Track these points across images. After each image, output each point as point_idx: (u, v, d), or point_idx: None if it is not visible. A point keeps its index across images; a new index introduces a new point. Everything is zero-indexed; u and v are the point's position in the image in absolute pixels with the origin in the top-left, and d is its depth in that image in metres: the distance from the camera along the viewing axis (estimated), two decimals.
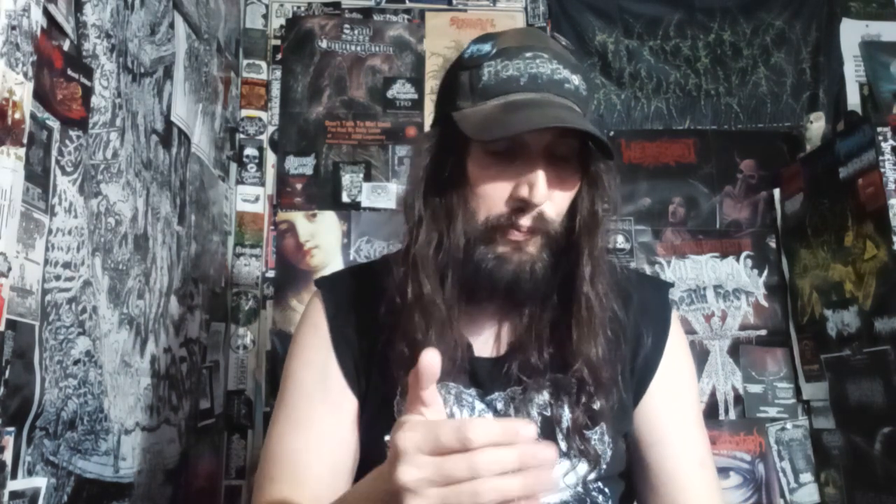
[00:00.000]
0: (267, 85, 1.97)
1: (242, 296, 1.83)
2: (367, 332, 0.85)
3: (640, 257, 1.90)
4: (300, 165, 1.93)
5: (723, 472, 1.77)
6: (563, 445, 0.81)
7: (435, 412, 0.57)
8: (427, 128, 2.06)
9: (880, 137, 1.52)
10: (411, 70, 2.00)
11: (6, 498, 0.77)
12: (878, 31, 2.06)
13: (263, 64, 1.98)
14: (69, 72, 0.93)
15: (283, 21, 2.02)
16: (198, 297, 1.52)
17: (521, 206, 0.75)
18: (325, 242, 1.89)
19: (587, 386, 0.80)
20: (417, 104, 1.98)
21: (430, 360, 0.55)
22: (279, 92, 1.97)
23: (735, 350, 1.86)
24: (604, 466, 0.82)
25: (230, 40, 1.84)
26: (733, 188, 1.96)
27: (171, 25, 1.35)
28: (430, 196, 0.80)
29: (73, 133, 0.94)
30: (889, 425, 1.49)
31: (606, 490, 0.83)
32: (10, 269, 0.77)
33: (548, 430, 0.81)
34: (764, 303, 1.90)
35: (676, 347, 0.89)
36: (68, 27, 0.93)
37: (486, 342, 0.85)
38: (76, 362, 0.95)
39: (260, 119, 1.94)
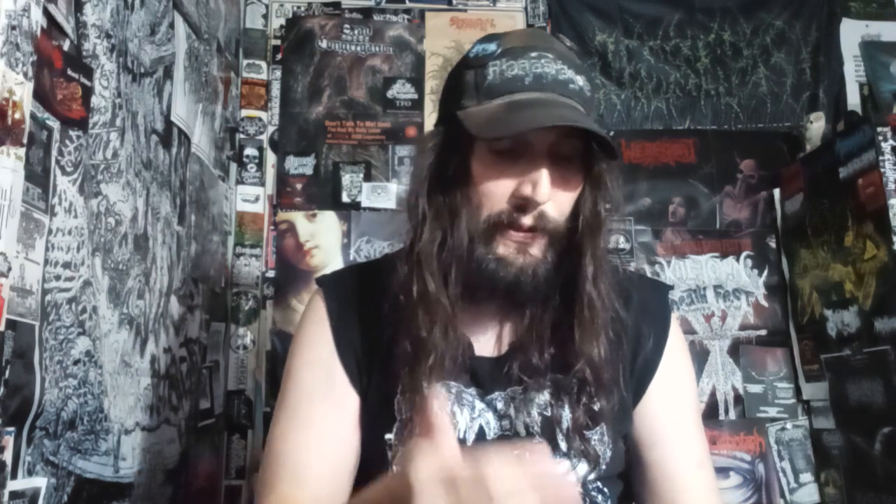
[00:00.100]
0: (267, 85, 1.97)
1: (242, 296, 1.83)
2: (370, 330, 0.85)
3: (640, 257, 1.90)
4: (300, 165, 1.93)
5: (723, 472, 1.77)
6: (563, 445, 0.81)
7: (448, 440, 0.55)
8: (427, 128, 2.07)
9: (880, 137, 1.52)
10: (411, 70, 2.01)
11: (6, 498, 0.77)
12: (878, 31, 2.06)
13: (263, 64, 1.98)
14: (69, 72, 0.93)
15: (283, 21, 2.02)
16: (198, 297, 1.52)
17: (522, 203, 0.76)
18: (325, 242, 1.89)
19: (588, 386, 0.80)
20: (417, 104, 1.98)
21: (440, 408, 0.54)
22: (279, 92, 1.97)
23: (735, 350, 1.86)
24: (603, 467, 0.82)
25: (230, 40, 1.84)
26: (733, 188, 1.96)
27: (171, 25, 1.35)
28: (433, 194, 0.80)
29: (73, 133, 0.94)
30: (889, 425, 1.49)
31: (605, 490, 0.83)
32: (10, 269, 0.77)
33: (548, 431, 0.81)
34: (764, 303, 1.90)
35: (676, 349, 0.90)
36: (68, 27, 0.93)
37: (487, 342, 0.85)
38: (76, 362, 0.95)
39: (260, 119, 1.94)
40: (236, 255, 1.85)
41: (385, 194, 1.92)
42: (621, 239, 1.89)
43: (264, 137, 1.94)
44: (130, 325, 1.14)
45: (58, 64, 0.90)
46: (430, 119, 1.96)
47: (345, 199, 1.91)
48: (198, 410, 1.52)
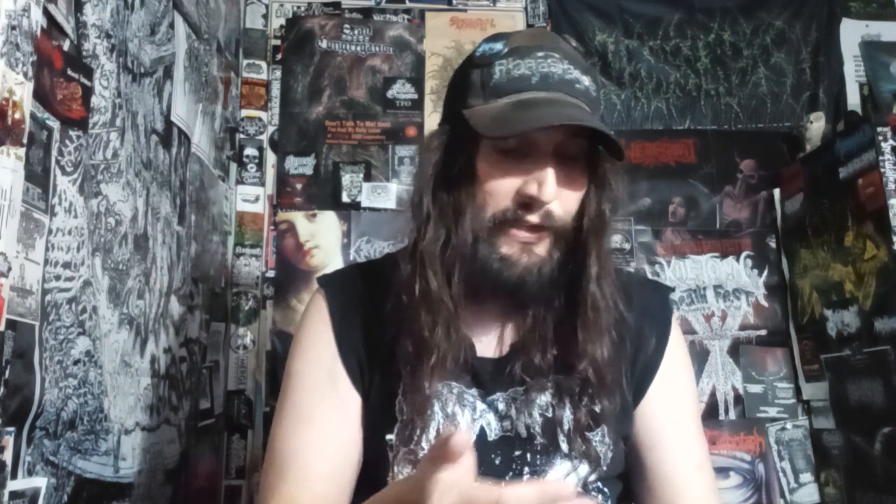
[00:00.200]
0: (267, 85, 1.97)
1: (242, 296, 1.83)
2: (371, 330, 0.85)
3: (640, 257, 1.90)
4: (300, 165, 1.93)
5: (723, 472, 1.77)
6: (565, 447, 0.81)
7: (466, 464, 0.54)
8: (427, 128, 2.07)
9: (880, 137, 1.52)
10: (411, 70, 2.00)
11: (6, 498, 0.77)
12: (878, 31, 2.06)
13: (263, 64, 1.98)
14: (69, 72, 0.93)
15: (283, 21, 2.02)
16: (198, 297, 1.52)
17: (528, 202, 0.75)
18: (325, 242, 1.89)
19: (590, 387, 0.80)
20: (417, 104, 1.98)
21: (462, 440, 0.53)
22: (279, 92, 1.97)
23: (735, 350, 1.86)
24: (604, 468, 0.82)
25: (230, 40, 1.84)
26: (733, 188, 1.96)
27: (171, 25, 1.35)
28: (438, 193, 0.80)
29: (73, 133, 0.94)
30: (889, 425, 1.49)
31: (606, 490, 0.83)
32: (10, 269, 0.77)
33: (549, 432, 0.81)
34: (764, 303, 1.90)
35: (676, 351, 0.90)
36: (68, 27, 0.93)
37: (488, 342, 0.85)
38: (76, 362, 0.95)
39: (260, 119, 1.94)
40: (236, 255, 1.85)
41: (385, 194, 1.92)
42: (621, 239, 1.89)
43: (264, 137, 1.94)
44: (130, 325, 1.14)
45: (58, 64, 0.90)
46: (430, 119, 1.96)
47: (345, 199, 1.91)
48: (198, 410, 1.52)
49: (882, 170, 1.50)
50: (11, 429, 0.78)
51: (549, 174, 0.74)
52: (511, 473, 0.80)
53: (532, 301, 0.80)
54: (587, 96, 0.78)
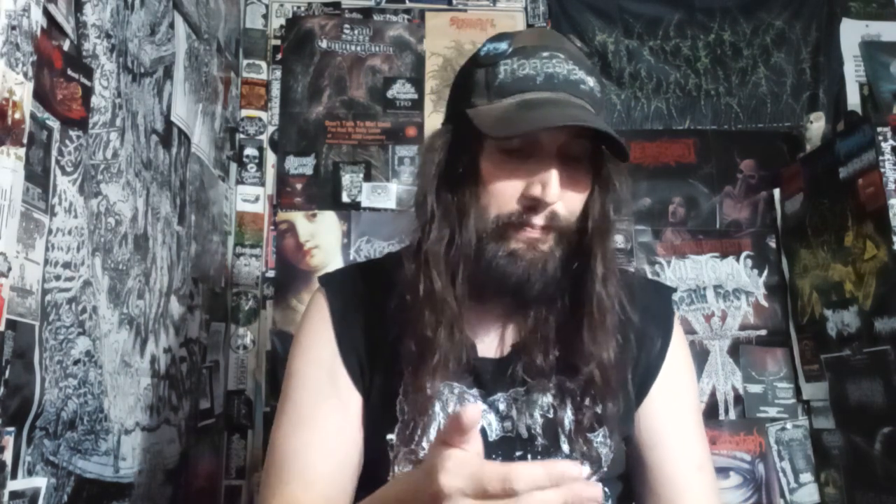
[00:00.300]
0: (267, 85, 1.97)
1: (242, 296, 1.83)
2: (373, 329, 0.85)
3: (640, 257, 1.90)
4: (300, 165, 1.93)
5: (723, 472, 1.77)
6: (566, 447, 0.81)
7: (474, 446, 0.55)
8: (427, 128, 2.07)
9: (880, 137, 1.51)
10: (411, 70, 2.00)
11: (6, 498, 0.77)
12: (878, 31, 2.06)
13: (263, 64, 1.98)
14: (69, 72, 0.93)
15: (283, 21, 2.02)
16: (198, 297, 1.52)
17: (532, 204, 0.75)
18: (325, 242, 1.89)
19: (593, 388, 0.80)
20: (417, 104, 1.98)
21: (473, 414, 0.53)
22: (279, 92, 1.97)
23: (735, 350, 1.86)
24: (605, 468, 0.82)
25: (230, 40, 1.84)
26: (733, 188, 1.96)
27: (171, 25, 1.35)
28: (442, 193, 0.80)
29: (73, 133, 0.94)
30: (889, 425, 1.49)
31: (606, 490, 0.83)
32: (10, 269, 0.77)
33: (550, 432, 0.81)
34: (764, 303, 1.90)
35: (678, 352, 0.89)
36: (68, 27, 0.93)
37: (490, 342, 0.85)
38: (76, 362, 0.95)
39: (260, 119, 1.94)
40: (236, 255, 1.85)
41: (385, 194, 1.92)
42: (621, 239, 1.89)
43: (264, 137, 1.94)
44: (130, 325, 1.14)
45: (58, 64, 0.90)
46: (430, 119, 1.96)
47: (345, 199, 1.91)
48: (198, 410, 1.52)
49: (882, 170, 1.50)
50: (11, 429, 0.78)
51: (553, 175, 0.74)
52: None
53: (535, 300, 0.80)
54: (591, 97, 0.78)
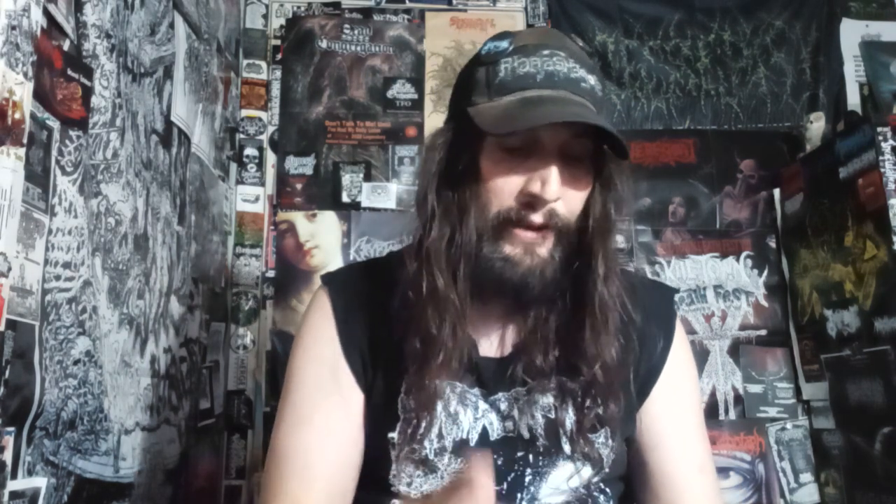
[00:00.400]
0: (267, 85, 1.97)
1: (242, 296, 1.83)
2: (376, 328, 0.85)
3: (640, 257, 1.90)
4: (300, 165, 1.93)
5: (723, 472, 1.77)
6: (567, 448, 0.80)
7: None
8: (427, 128, 2.07)
9: (880, 137, 1.51)
10: (411, 70, 2.00)
11: (6, 498, 0.77)
12: (878, 31, 2.06)
13: (263, 64, 1.98)
14: (69, 72, 0.93)
15: (283, 21, 2.02)
16: (198, 297, 1.52)
17: (531, 201, 0.75)
18: (325, 242, 1.89)
19: (594, 389, 0.80)
20: (417, 104, 1.98)
21: None
22: (279, 92, 1.97)
23: (735, 350, 1.86)
24: (606, 469, 0.82)
25: (230, 40, 1.84)
26: (733, 188, 1.96)
27: (171, 25, 1.35)
28: (443, 191, 0.80)
29: (73, 133, 0.94)
30: (889, 425, 1.49)
31: (608, 490, 0.83)
32: (10, 269, 0.77)
33: (551, 433, 0.81)
34: (764, 303, 1.90)
35: (680, 352, 0.89)
36: (68, 27, 0.93)
37: (491, 342, 0.85)
38: (76, 362, 0.95)
39: (260, 119, 1.94)
40: (236, 255, 1.85)
41: (385, 194, 1.92)
42: (621, 239, 1.89)
43: (264, 137, 1.94)
44: (130, 325, 1.14)
45: (58, 64, 0.90)
46: (430, 119, 1.96)
47: (345, 199, 1.91)
48: (198, 410, 1.52)
49: (882, 170, 1.50)
50: (11, 429, 0.78)
51: (553, 172, 0.74)
52: (513, 474, 0.80)
53: (535, 302, 0.80)
54: (593, 95, 0.78)
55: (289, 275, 1.87)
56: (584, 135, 0.76)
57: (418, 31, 2.03)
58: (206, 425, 1.58)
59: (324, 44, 2.00)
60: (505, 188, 0.76)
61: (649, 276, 1.86)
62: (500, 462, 0.80)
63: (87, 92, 0.98)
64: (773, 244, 1.92)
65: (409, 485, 0.79)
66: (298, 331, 0.90)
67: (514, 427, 0.81)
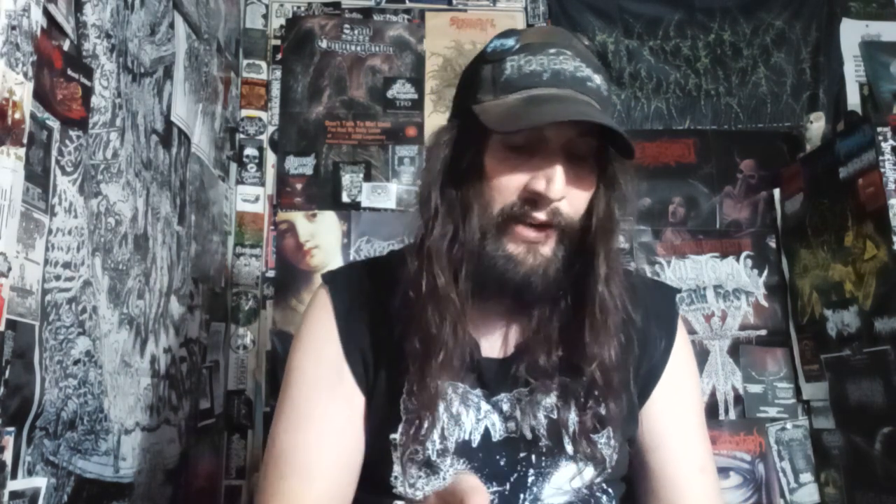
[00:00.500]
0: (267, 85, 1.97)
1: (242, 296, 1.83)
2: (377, 327, 0.84)
3: (640, 257, 1.90)
4: (300, 165, 1.93)
5: (723, 472, 1.77)
6: (570, 449, 0.80)
7: None
8: (427, 128, 2.07)
9: (880, 137, 1.51)
10: (411, 70, 2.00)
11: (6, 498, 0.77)
12: (878, 31, 2.06)
13: (263, 64, 1.98)
14: (69, 72, 0.93)
15: (283, 21, 2.02)
16: (198, 297, 1.52)
17: (535, 199, 0.74)
18: (325, 242, 1.89)
19: (596, 389, 0.79)
20: (417, 104, 1.98)
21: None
22: (279, 92, 1.97)
23: (735, 350, 1.86)
24: (609, 470, 0.82)
25: (230, 40, 1.84)
26: (733, 188, 1.96)
27: (171, 25, 1.35)
28: (446, 189, 0.79)
29: (73, 133, 0.94)
30: (889, 425, 1.49)
31: (609, 491, 0.83)
32: (10, 269, 0.77)
33: (554, 434, 0.81)
34: (764, 303, 1.90)
35: (682, 352, 0.89)
36: (68, 27, 0.93)
37: (493, 342, 0.85)
38: (76, 362, 0.95)
39: (260, 119, 1.94)
40: (236, 255, 1.84)
41: (385, 194, 1.92)
42: (621, 239, 1.89)
43: (264, 137, 1.94)
44: (130, 325, 1.14)
45: (58, 64, 0.90)
46: (430, 119, 1.96)
47: (345, 199, 1.91)
48: (198, 410, 1.52)
49: (882, 170, 1.50)
50: (11, 429, 0.78)
51: (558, 171, 0.73)
52: (516, 475, 0.80)
53: (537, 301, 0.79)
54: (598, 94, 0.77)
55: (289, 275, 1.87)
56: (588, 133, 0.76)
57: (418, 31, 2.03)
58: (206, 425, 1.58)
59: (324, 44, 2.00)
60: (509, 186, 0.75)
61: (649, 276, 1.86)
62: (502, 462, 0.80)
63: (87, 92, 0.98)
64: (773, 244, 1.92)
65: (411, 486, 0.79)
66: (298, 330, 0.90)
67: (516, 428, 0.81)
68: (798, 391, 1.83)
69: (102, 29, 1.03)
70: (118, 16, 1.09)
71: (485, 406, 0.82)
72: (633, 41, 2.05)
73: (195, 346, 1.50)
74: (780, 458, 1.81)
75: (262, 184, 1.91)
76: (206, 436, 1.59)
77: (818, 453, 1.78)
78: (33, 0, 0.81)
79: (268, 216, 1.90)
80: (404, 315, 0.79)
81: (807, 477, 1.79)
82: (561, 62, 0.76)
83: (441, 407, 0.80)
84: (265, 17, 2.00)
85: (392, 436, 0.80)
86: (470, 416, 0.81)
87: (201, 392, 1.55)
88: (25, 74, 0.79)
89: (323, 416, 0.82)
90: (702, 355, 1.84)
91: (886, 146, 1.51)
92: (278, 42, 2.00)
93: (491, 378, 0.83)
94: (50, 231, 0.87)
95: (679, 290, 1.03)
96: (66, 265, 0.92)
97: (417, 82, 1.99)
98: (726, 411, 1.83)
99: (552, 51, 0.77)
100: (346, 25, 2.02)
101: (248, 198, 1.89)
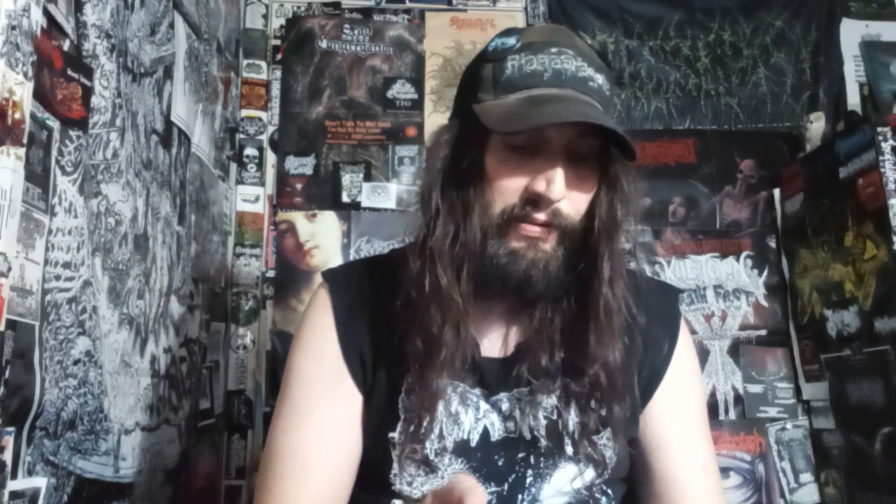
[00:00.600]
0: (267, 85, 1.97)
1: (242, 296, 1.83)
2: (377, 327, 0.84)
3: (640, 257, 1.89)
4: (300, 165, 1.93)
5: (723, 472, 1.77)
6: (570, 450, 0.80)
7: None
8: (427, 128, 2.07)
9: (880, 137, 1.51)
10: (411, 70, 2.00)
11: (6, 498, 0.77)
12: (878, 31, 2.06)
13: (263, 64, 1.98)
14: (69, 72, 0.93)
15: (283, 21, 2.02)
16: (198, 297, 1.52)
17: (535, 199, 0.74)
18: (325, 242, 1.89)
19: (599, 391, 0.79)
20: (417, 104, 1.98)
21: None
22: (279, 92, 1.97)
23: (735, 350, 1.86)
24: (609, 471, 0.82)
25: (230, 40, 1.84)
26: (733, 188, 1.96)
27: (171, 25, 1.35)
28: (447, 188, 0.79)
29: (73, 133, 0.94)
30: (889, 425, 1.49)
31: (609, 492, 0.83)
32: (10, 269, 0.77)
33: (554, 434, 0.80)
34: (764, 303, 1.90)
35: (685, 354, 0.89)
36: (68, 27, 0.93)
37: (494, 342, 0.84)
38: (76, 362, 0.95)
39: (260, 119, 1.94)
40: (236, 255, 1.84)
41: (385, 194, 1.92)
42: (622, 239, 1.89)
43: (264, 137, 1.94)
44: (130, 325, 1.14)
45: (58, 64, 0.90)
46: (430, 119, 1.96)
47: (345, 199, 1.91)
48: (198, 410, 1.52)
49: (882, 170, 1.50)
50: (11, 429, 0.78)
51: (559, 172, 0.73)
52: (514, 475, 0.80)
53: (538, 299, 0.79)
54: (600, 94, 0.77)
55: (289, 275, 1.87)
56: (590, 134, 0.75)
57: (418, 31, 2.03)
58: (206, 425, 1.58)
59: (324, 44, 2.00)
60: (510, 187, 0.75)
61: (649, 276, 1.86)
62: (501, 462, 0.80)
63: (87, 92, 0.98)
64: (773, 244, 1.92)
65: (409, 484, 0.79)
66: (298, 329, 0.89)
67: (515, 428, 0.81)
68: (798, 391, 1.83)
69: (102, 29, 1.03)
70: (118, 16, 1.09)
71: (484, 406, 0.82)
72: (633, 41, 2.05)
73: (195, 346, 1.50)
74: (780, 458, 1.81)
75: (262, 184, 1.91)
76: (206, 436, 1.59)
77: (818, 453, 1.78)
78: (33, 0, 0.81)
79: (268, 216, 1.90)
80: (405, 315, 0.79)
81: (807, 477, 1.79)
82: (562, 62, 0.76)
83: (440, 406, 0.80)
84: (265, 17, 2.00)
85: (391, 434, 0.80)
86: (469, 415, 0.81)
87: (201, 392, 1.55)
88: (25, 74, 0.79)
89: (322, 416, 0.82)
90: (702, 355, 1.84)
91: (886, 146, 1.51)
92: (278, 42, 2.00)
93: (491, 378, 0.82)
94: (50, 231, 0.87)
95: (682, 291, 1.02)
96: (66, 265, 0.92)
97: (417, 82, 1.99)
98: (726, 411, 1.83)
99: (554, 50, 0.76)
100: (346, 25, 2.02)
101: (248, 198, 1.89)
